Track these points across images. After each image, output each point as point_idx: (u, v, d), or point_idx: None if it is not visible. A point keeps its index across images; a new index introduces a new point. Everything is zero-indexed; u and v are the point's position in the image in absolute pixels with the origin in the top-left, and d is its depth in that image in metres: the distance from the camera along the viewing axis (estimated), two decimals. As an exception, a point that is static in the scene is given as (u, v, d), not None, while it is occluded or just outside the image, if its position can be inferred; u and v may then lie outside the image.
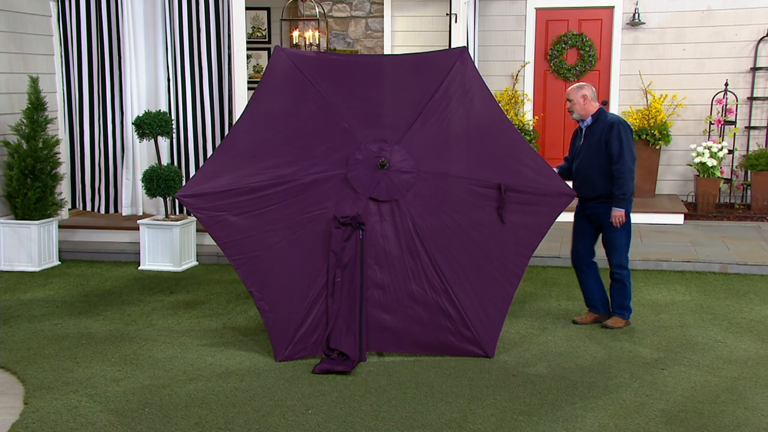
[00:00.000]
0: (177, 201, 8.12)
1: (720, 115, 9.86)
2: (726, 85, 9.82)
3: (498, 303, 5.08)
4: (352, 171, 4.99)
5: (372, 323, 4.97)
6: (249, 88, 8.96)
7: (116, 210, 8.41)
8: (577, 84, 5.62)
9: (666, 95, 10.09)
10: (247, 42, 8.23)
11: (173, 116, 8.03)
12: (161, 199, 7.78)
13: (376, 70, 5.27)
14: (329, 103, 5.06)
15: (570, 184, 5.50)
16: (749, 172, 9.67)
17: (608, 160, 5.47)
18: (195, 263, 7.63)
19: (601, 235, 5.76)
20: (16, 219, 7.46)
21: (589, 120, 5.57)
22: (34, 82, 7.46)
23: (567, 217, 9.21)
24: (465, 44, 8.70)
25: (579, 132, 5.70)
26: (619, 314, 5.72)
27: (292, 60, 5.11)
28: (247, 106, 5.14)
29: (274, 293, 5.00)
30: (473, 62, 5.44)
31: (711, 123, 9.90)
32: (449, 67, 5.10)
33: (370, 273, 4.95)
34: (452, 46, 8.30)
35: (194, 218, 7.75)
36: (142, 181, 7.41)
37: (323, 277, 4.95)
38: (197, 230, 7.78)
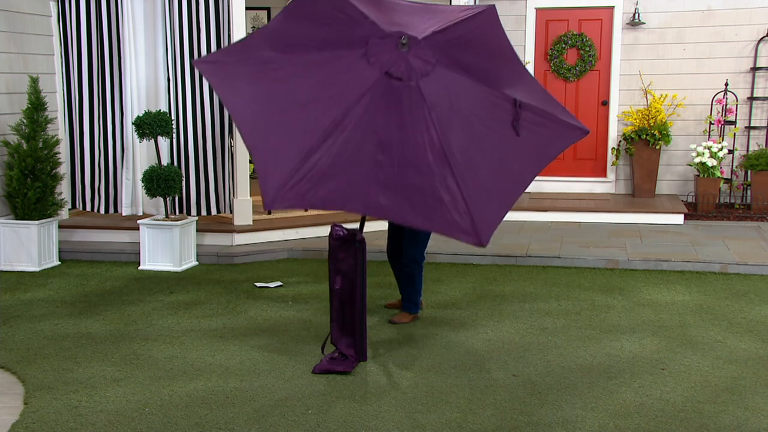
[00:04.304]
0: (176, 201, 8.14)
1: (720, 115, 9.87)
2: (726, 85, 9.82)
3: (501, 201, 4.95)
4: (371, 48, 4.88)
5: (371, 190, 4.76)
6: (249, 88, 8.96)
7: (116, 210, 8.41)
8: None
9: (666, 95, 10.09)
10: (247, 42, 8.21)
11: (173, 116, 8.03)
12: (161, 199, 7.78)
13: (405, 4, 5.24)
14: (356, 10, 5.00)
15: None
16: (749, 172, 9.67)
17: None
18: (195, 263, 7.63)
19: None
20: (16, 219, 7.46)
21: None
22: (34, 82, 7.46)
23: (568, 217, 9.25)
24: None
25: None
26: (407, 309, 5.83)
27: None
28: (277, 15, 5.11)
29: (268, 138, 4.87)
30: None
31: (711, 123, 9.90)
32: (475, 11, 5.17)
33: (370, 148, 4.79)
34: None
35: (194, 218, 7.75)
36: (142, 181, 7.42)
37: (324, 125, 4.81)
38: (197, 230, 7.78)
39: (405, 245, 5.76)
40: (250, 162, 8.79)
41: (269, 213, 4.86)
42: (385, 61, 4.80)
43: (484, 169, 4.87)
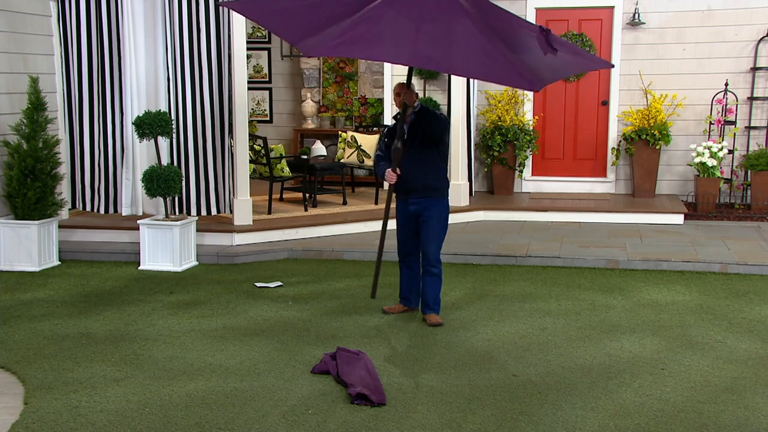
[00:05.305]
0: (176, 201, 8.13)
1: (720, 115, 9.86)
2: (726, 85, 9.82)
3: (551, 70, 5.01)
4: None
5: (418, 46, 4.76)
6: (249, 89, 8.95)
7: (116, 210, 8.41)
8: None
9: (666, 95, 10.09)
10: (247, 42, 8.23)
11: (173, 116, 8.03)
12: (161, 199, 7.78)
13: None
14: None
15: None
16: (749, 172, 9.67)
17: (437, 151, 5.66)
18: (195, 263, 7.63)
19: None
20: (16, 219, 7.46)
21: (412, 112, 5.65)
22: (34, 82, 7.45)
23: (568, 217, 9.24)
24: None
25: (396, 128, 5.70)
26: (435, 309, 5.82)
27: None
28: None
29: (301, 19, 5.02)
30: None
31: (711, 123, 9.89)
32: None
33: (414, 17, 4.80)
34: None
35: (194, 218, 7.75)
36: (142, 181, 7.41)
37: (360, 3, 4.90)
38: (197, 230, 7.78)
39: (427, 246, 5.74)
40: (251, 162, 8.80)
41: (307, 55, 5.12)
42: None
43: (525, 51, 4.89)
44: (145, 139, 7.36)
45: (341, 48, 4.85)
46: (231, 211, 8.23)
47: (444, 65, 5.04)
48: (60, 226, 7.94)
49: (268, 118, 12.25)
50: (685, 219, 9.14)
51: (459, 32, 4.79)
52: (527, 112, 10.50)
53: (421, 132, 5.58)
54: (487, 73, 4.91)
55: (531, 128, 10.24)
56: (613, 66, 5.55)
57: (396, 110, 5.89)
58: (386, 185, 5.92)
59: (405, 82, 5.61)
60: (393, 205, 5.72)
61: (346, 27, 4.74)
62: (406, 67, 10.82)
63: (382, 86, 11.02)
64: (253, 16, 5.40)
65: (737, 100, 9.88)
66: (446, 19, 4.81)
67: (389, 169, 5.58)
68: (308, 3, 5.09)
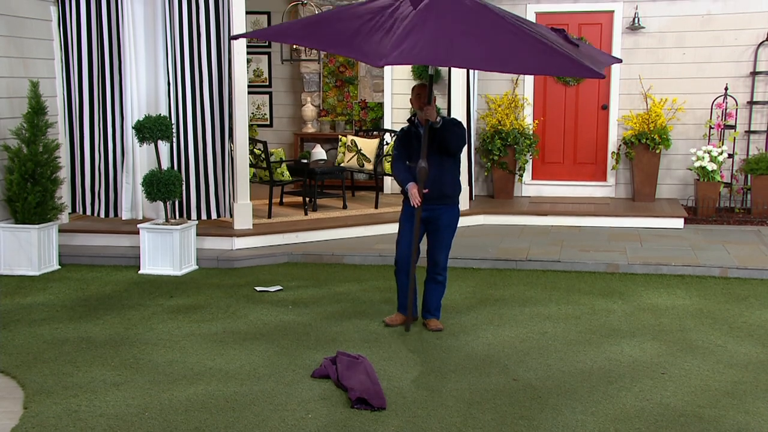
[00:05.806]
0: (176, 205, 8.13)
1: (720, 119, 9.87)
2: (726, 89, 9.82)
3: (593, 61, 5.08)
4: None
5: (467, 50, 4.86)
6: (249, 93, 8.95)
7: (116, 214, 8.40)
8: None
9: (666, 99, 10.09)
10: (248, 46, 8.24)
11: (173, 120, 8.03)
12: (161, 203, 7.78)
13: None
14: None
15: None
16: (749, 176, 9.67)
17: (453, 159, 5.67)
18: (195, 267, 7.63)
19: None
20: (16, 223, 7.46)
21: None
22: (35, 86, 7.46)
23: (568, 221, 9.24)
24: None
25: (416, 133, 5.67)
26: (436, 315, 5.81)
27: None
28: None
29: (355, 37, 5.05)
30: None
31: (711, 127, 9.90)
32: None
33: (455, 25, 4.90)
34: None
35: (194, 222, 7.75)
36: (142, 185, 7.42)
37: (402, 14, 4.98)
38: (197, 234, 7.78)
39: (438, 254, 5.71)
40: (251, 166, 8.80)
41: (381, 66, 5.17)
42: None
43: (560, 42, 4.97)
44: (145, 143, 7.37)
45: (402, 57, 4.86)
46: (231, 215, 8.23)
47: (498, 65, 5.04)
48: (60, 230, 7.94)
49: (268, 122, 12.26)
50: (685, 223, 9.14)
51: (501, 32, 4.85)
52: (527, 116, 10.50)
53: (438, 141, 5.55)
54: (545, 67, 5.08)
55: (531, 132, 10.24)
56: (620, 61, 5.59)
57: (410, 111, 5.88)
58: (391, 183, 5.91)
59: (425, 83, 5.66)
60: (388, 209, 5.72)
61: (400, 36, 4.79)
62: (407, 68, 10.85)
63: (382, 90, 11.02)
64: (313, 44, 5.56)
65: (737, 105, 9.89)
66: (484, 22, 4.87)
67: (414, 189, 5.52)
68: (339, 17, 5.18)
